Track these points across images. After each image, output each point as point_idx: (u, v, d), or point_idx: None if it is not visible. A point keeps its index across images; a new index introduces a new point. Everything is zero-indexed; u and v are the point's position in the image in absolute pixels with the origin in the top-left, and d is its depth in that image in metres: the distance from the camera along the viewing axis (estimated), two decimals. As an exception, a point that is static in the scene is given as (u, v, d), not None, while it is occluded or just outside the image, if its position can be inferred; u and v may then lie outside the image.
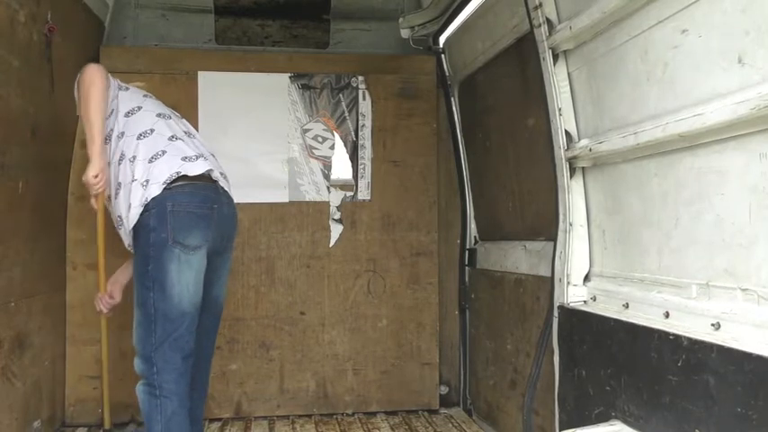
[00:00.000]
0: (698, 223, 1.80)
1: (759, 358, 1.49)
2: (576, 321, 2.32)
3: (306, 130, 3.76)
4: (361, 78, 3.78)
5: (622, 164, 2.15)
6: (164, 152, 2.54)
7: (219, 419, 3.64)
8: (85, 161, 3.46)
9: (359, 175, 3.77)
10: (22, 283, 2.87)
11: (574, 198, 2.40)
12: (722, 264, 1.72)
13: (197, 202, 2.53)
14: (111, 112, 2.59)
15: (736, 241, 1.66)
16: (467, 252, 3.81)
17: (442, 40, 3.81)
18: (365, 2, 4.03)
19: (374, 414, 3.75)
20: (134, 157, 2.53)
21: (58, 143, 3.32)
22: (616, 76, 2.11)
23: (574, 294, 2.39)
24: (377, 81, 3.79)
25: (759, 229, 1.59)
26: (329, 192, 3.76)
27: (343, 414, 3.74)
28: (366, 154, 3.77)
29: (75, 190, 3.49)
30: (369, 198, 3.78)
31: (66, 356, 3.48)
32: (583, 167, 2.39)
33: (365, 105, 3.78)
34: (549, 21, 2.39)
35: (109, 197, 2.62)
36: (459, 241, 3.87)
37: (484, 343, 3.55)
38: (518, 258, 3.11)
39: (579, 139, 2.36)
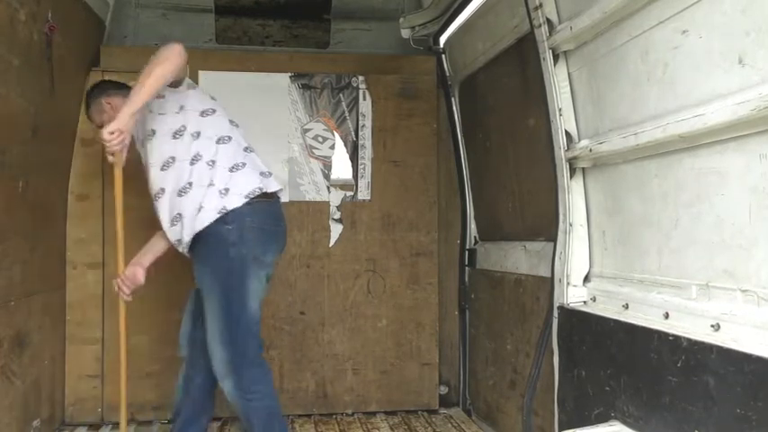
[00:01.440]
0: (698, 224, 1.80)
1: (759, 359, 1.49)
2: (576, 322, 2.32)
3: (306, 130, 3.76)
4: (361, 78, 3.78)
5: (622, 164, 2.15)
6: (243, 164, 2.58)
7: (219, 419, 3.63)
8: (86, 160, 3.51)
9: (359, 175, 3.77)
10: (21, 282, 2.86)
11: (574, 198, 2.40)
12: (722, 264, 1.72)
13: (272, 219, 2.62)
14: (181, 108, 2.56)
15: (736, 242, 1.66)
16: (467, 252, 3.81)
17: (442, 40, 3.81)
18: (366, 2, 4.03)
19: (374, 414, 3.75)
20: (213, 162, 2.53)
21: (58, 142, 3.32)
22: (616, 77, 2.11)
23: (573, 295, 2.39)
24: (377, 81, 3.79)
25: (759, 229, 1.59)
26: (329, 192, 3.76)
27: (342, 414, 3.74)
28: (366, 154, 3.77)
29: (75, 189, 3.50)
30: (369, 198, 3.78)
31: (66, 356, 3.48)
32: (583, 168, 2.39)
33: (365, 105, 3.78)
34: (549, 21, 2.39)
35: (161, 191, 2.59)
36: (459, 241, 3.87)
37: (483, 343, 3.55)
38: (518, 259, 3.11)
39: (579, 140, 2.36)
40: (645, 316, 2.00)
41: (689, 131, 1.75)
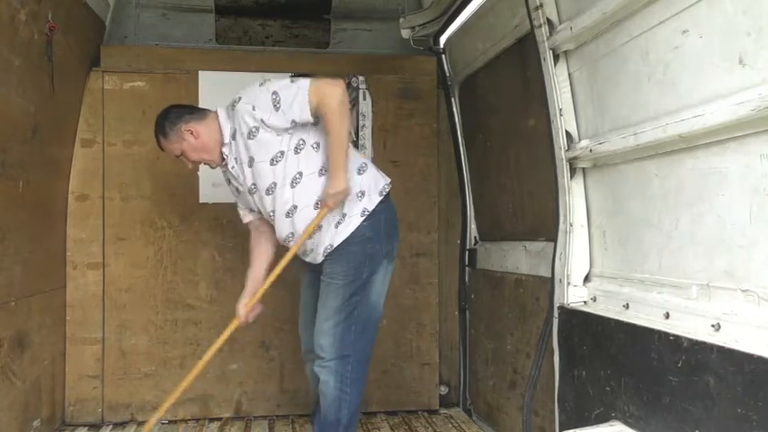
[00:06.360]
0: (698, 224, 1.80)
1: (759, 359, 1.50)
2: (576, 322, 2.32)
3: (306, 130, 3.75)
4: (361, 78, 3.77)
5: (623, 165, 2.15)
6: (365, 164, 2.63)
7: (219, 419, 3.64)
8: (86, 160, 3.51)
9: (359, 175, 3.76)
10: (22, 282, 2.87)
11: (574, 199, 2.40)
12: (722, 265, 1.72)
13: (394, 214, 2.68)
14: (293, 123, 2.47)
15: (737, 242, 1.66)
16: (467, 252, 3.81)
17: (442, 40, 3.81)
18: (366, 2, 4.04)
19: (374, 414, 3.75)
20: None
21: (58, 142, 3.32)
22: (617, 77, 2.11)
23: (574, 295, 2.39)
24: (377, 81, 3.78)
25: (759, 230, 1.59)
26: (329, 192, 3.75)
27: (342, 414, 3.73)
28: (366, 154, 3.76)
29: (75, 189, 3.50)
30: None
31: (66, 356, 3.48)
32: (583, 168, 2.39)
33: (365, 105, 3.78)
34: (549, 21, 2.39)
35: (293, 208, 2.53)
36: (459, 241, 3.87)
37: (484, 343, 3.55)
38: (518, 259, 3.11)
39: (580, 140, 2.36)
40: (645, 316, 2.00)
41: (689, 131, 1.75)
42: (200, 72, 3.61)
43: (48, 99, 2.97)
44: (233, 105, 2.51)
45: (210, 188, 3.61)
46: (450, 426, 3.58)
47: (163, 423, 3.55)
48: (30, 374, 2.99)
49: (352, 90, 3.77)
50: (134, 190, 3.58)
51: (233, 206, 3.62)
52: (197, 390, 3.61)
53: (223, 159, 2.59)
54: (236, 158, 2.55)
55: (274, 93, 2.43)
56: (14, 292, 2.80)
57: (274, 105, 2.42)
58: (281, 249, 2.79)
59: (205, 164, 2.68)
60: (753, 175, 1.59)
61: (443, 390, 3.88)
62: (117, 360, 3.55)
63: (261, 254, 2.81)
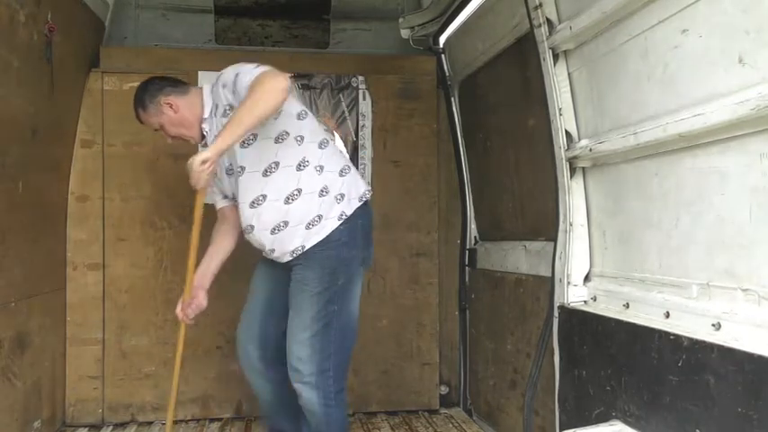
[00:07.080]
0: (698, 223, 1.80)
1: (760, 358, 1.49)
2: (577, 321, 2.32)
3: (306, 131, 3.75)
4: (361, 78, 3.77)
5: (623, 164, 2.15)
6: (348, 167, 2.52)
7: (219, 419, 3.64)
8: (86, 160, 3.51)
9: (359, 176, 3.76)
10: (22, 283, 2.86)
11: (574, 198, 2.40)
12: (723, 264, 1.72)
13: (371, 220, 2.57)
14: (280, 113, 2.37)
15: (737, 241, 1.66)
16: (467, 252, 3.81)
17: (442, 40, 3.81)
18: (365, 2, 4.04)
19: (374, 414, 3.75)
20: (321, 167, 2.42)
21: (58, 143, 3.32)
22: (616, 77, 2.11)
23: (574, 294, 2.39)
24: (377, 81, 3.78)
25: (759, 229, 1.59)
26: (329, 192, 3.75)
27: (343, 414, 3.73)
28: (366, 154, 3.77)
29: (75, 190, 3.50)
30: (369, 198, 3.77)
31: (67, 356, 3.48)
32: (583, 167, 2.39)
33: (365, 105, 3.78)
34: (549, 21, 2.39)
35: (261, 197, 2.40)
36: (459, 241, 3.87)
37: (484, 343, 3.55)
38: (518, 258, 3.11)
39: (579, 139, 2.36)
40: (645, 315, 2.00)
41: (689, 131, 1.75)
42: (199, 72, 3.61)
43: (47, 100, 2.97)
44: (217, 80, 2.45)
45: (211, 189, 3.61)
46: (451, 426, 3.58)
47: (163, 423, 3.55)
48: (30, 375, 2.99)
49: (351, 90, 3.78)
50: (134, 190, 3.58)
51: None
52: (197, 390, 3.62)
53: (203, 136, 2.50)
54: (216, 135, 2.38)
55: (237, 74, 2.35)
56: (14, 292, 2.80)
57: (234, 87, 2.35)
58: (243, 245, 2.65)
59: (184, 139, 2.57)
60: (753, 174, 1.59)
61: (444, 390, 3.88)
62: (117, 361, 3.55)
63: (218, 247, 2.68)
